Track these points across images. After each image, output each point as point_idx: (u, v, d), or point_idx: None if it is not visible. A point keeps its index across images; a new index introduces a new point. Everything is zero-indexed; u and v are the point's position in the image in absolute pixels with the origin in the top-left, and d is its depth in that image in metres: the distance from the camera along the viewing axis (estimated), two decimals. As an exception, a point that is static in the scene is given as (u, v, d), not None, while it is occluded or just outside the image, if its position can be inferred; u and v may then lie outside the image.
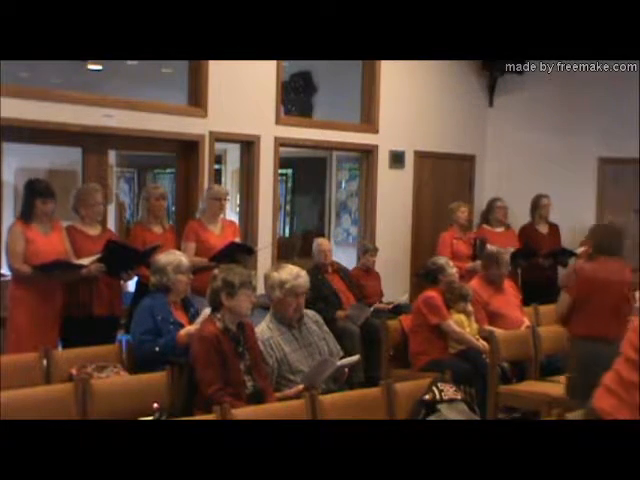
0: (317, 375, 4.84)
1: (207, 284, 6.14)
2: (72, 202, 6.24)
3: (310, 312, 5.36)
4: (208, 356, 4.56)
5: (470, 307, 6.59)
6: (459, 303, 6.52)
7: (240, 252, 6.72)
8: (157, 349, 5.10)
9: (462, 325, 6.49)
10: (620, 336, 5.52)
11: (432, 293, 6.55)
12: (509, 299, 7.10)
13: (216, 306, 4.75)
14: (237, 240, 6.94)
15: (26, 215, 5.83)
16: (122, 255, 6.03)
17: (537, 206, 8.96)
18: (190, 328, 5.11)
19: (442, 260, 6.77)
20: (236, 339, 4.71)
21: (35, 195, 5.83)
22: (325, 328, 5.36)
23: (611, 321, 5.37)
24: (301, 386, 4.78)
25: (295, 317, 5.15)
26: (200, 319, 4.98)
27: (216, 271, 4.94)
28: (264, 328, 5.10)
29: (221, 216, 6.94)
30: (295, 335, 5.14)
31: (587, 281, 5.54)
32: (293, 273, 5.15)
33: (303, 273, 5.21)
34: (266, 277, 5.23)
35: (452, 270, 6.65)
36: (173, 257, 5.48)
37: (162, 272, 5.37)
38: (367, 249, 8.30)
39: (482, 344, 6.41)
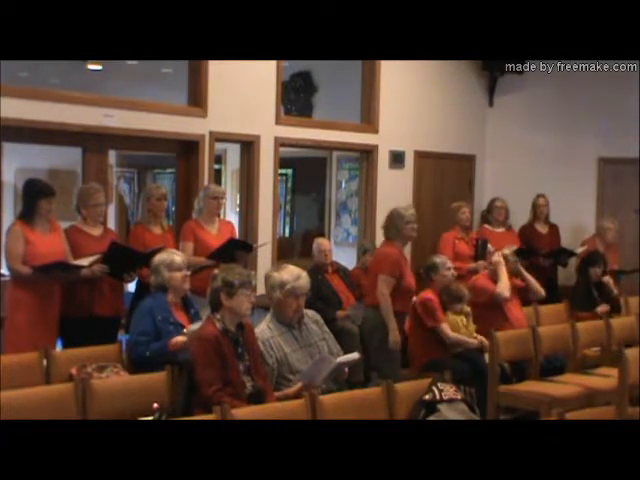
0: (316, 373, 4.84)
1: (206, 283, 6.13)
2: (75, 202, 6.25)
3: (310, 312, 5.35)
4: (207, 357, 4.56)
5: (467, 308, 6.58)
6: (455, 304, 6.51)
7: (238, 249, 6.73)
8: (147, 354, 5.09)
9: (457, 326, 6.47)
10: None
11: (429, 295, 6.56)
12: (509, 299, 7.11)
13: (216, 306, 4.75)
14: (236, 237, 6.94)
15: (27, 215, 5.82)
16: (124, 257, 6.03)
17: (534, 206, 9.00)
18: (179, 339, 5.09)
19: (438, 259, 6.77)
20: (235, 340, 4.71)
21: (38, 195, 5.83)
22: (325, 328, 5.36)
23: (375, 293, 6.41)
24: (300, 384, 4.78)
25: (295, 318, 5.15)
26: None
27: (216, 271, 4.95)
28: (264, 328, 5.09)
29: (219, 216, 6.94)
30: (295, 335, 5.14)
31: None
32: (294, 274, 5.15)
33: (304, 274, 5.21)
34: (266, 277, 5.23)
35: (447, 272, 6.65)
36: (166, 255, 5.50)
37: (157, 271, 5.41)
38: (366, 249, 8.30)
39: (481, 339, 6.42)
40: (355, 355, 5.26)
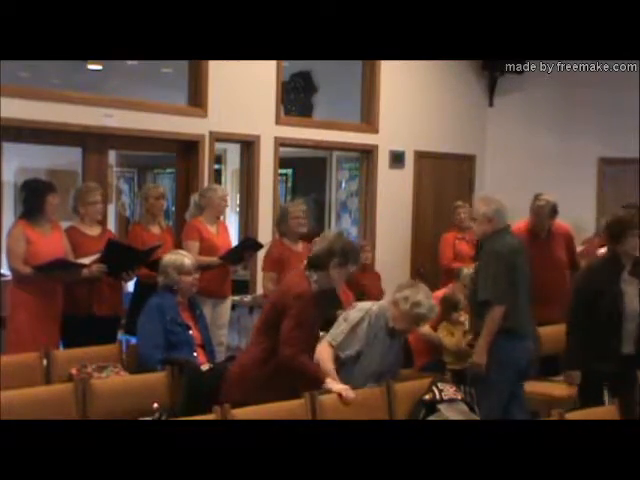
0: None
1: (210, 284, 6.10)
2: (71, 202, 6.23)
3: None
4: (306, 316, 4.55)
5: (462, 317, 6.34)
6: (452, 314, 6.33)
7: (251, 249, 6.81)
8: (159, 368, 5.00)
9: (447, 337, 6.29)
10: None
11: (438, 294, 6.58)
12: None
13: (318, 266, 4.68)
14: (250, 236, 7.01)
15: (33, 213, 5.80)
16: (122, 255, 6.02)
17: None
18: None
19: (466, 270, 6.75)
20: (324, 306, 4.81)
21: (45, 191, 5.81)
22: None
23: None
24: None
25: None
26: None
27: (332, 237, 5.04)
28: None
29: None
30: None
31: None
32: None
33: None
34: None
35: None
36: (175, 257, 5.44)
37: (165, 273, 5.35)
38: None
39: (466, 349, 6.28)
40: None
